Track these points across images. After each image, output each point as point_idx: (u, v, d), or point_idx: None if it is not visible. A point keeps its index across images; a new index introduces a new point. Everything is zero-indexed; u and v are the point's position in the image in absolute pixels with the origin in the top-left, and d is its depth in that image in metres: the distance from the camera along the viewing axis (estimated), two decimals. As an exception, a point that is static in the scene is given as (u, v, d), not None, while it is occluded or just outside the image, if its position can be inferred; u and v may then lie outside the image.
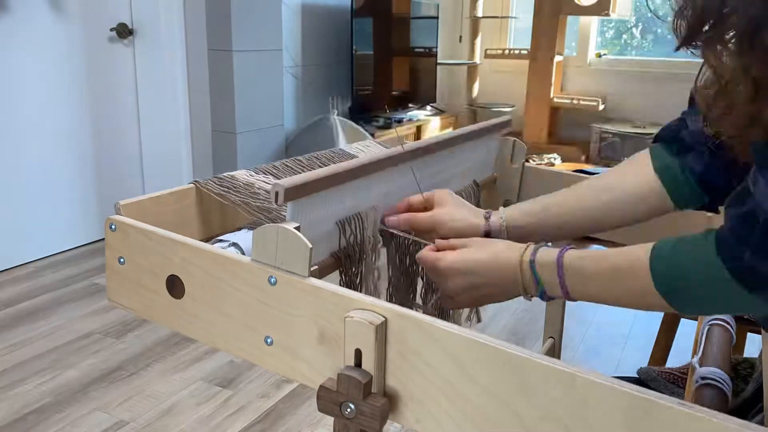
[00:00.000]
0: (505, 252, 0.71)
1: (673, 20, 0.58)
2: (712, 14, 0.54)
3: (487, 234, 0.81)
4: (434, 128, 4.28)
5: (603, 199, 0.80)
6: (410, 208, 0.85)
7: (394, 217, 0.84)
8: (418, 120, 4.11)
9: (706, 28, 0.55)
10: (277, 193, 0.67)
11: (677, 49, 0.59)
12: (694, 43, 0.57)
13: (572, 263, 0.66)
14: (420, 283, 1.00)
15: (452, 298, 0.74)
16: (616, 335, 2.23)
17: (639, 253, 0.62)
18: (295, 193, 0.69)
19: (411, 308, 0.58)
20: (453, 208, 0.82)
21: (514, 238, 0.80)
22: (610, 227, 0.83)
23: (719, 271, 0.55)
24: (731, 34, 0.54)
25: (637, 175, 0.79)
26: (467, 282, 0.72)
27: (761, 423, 0.69)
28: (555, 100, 4.51)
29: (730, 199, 0.57)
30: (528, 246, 0.70)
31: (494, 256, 0.71)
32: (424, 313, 0.58)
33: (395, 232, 0.85)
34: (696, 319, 0.89)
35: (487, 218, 0.82)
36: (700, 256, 0.57)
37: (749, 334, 1.48)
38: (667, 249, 0.61)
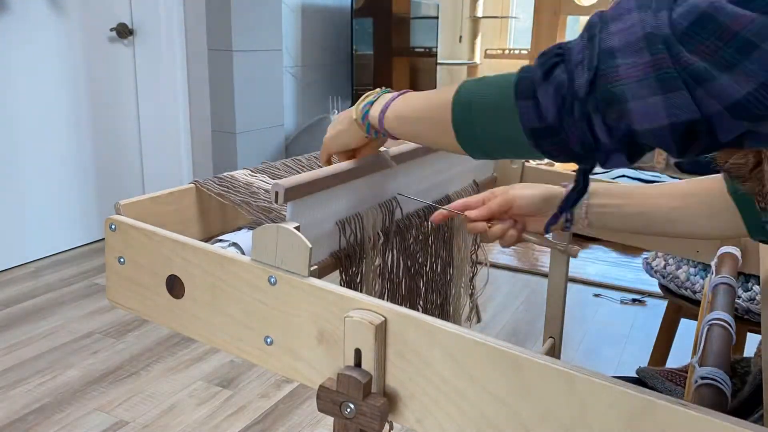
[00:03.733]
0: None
1: None
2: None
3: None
4: (434, 128, 4.27)
5: (674, 203, 0.79)
6: (469, 204, 0.85)
7: (474, 211, 0.83)
8: (418, 120, 4.10)
9: None
10: (277, 193, 0.67)
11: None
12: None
13: (406, 95, 0.73)
14: (421, 282, 1.00)
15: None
16: (616, 335, 2.23)
17: (451, 87, 0.62)
18: (295, 193, 0.69)
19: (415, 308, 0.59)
20: (521, 185, 0.84)
21: (593, 214, 0.81)
22: (677, 234, 0.82)
23: (509, 104, 0.54)
24: None
25: (714, 191, 0.76)
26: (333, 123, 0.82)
27: (758, 422, 0.69)
28: (555, 100, 4.51)
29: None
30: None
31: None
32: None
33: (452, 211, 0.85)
34: (696, 319, 0.89)
35: (565, 187, 0.82)
36: (500, 87, 0.56)
37: (749, 334, 1.48)
38: (473, 81, 0.61)
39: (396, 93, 0.73)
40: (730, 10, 0.41)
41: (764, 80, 0.41)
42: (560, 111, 0.50)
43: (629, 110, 0.46)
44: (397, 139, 0.75)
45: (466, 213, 0.83)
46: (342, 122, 0.79)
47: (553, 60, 0.51)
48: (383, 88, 0.76)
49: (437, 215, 0.86)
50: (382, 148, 0.85)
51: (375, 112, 0.73)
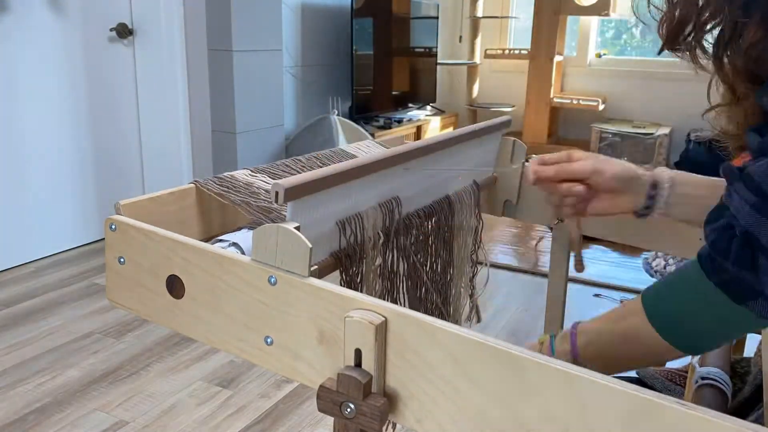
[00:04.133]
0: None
1: (658, 27, 0.59)
2: (690, 21, 0.56)
3: (653, 186, 0.78)
4: (434, 128, 4.28)
5: None
6: (544, 160, 0.82)
7: (550, 168, 0.80)
8: (418, 120, 4.11)
9: (686, 33, 0.57)
10: (277, 193, 0.67)
11: (659, 53, 0.60)
12: (676, 48, 0.58)
13: (581, 328, 0.68)
14: (421, 282, 1.00)
15: None
16: (616, 335, 2.23)
17: (631, 305, 0.62)
18: (295, 192, 0.69)
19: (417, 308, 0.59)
20: (605, 158, 0.80)
21: (674, 204, 0.78)
22: None
23: (705, 286, 0.55)
24: (710, 37, 0.55)
25: None
26: None
27: (757, 422, 0.69)
28: (555, 100, 4.51)
29: (708, 215, 0.57)
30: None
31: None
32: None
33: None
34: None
35: (648, 170, 0.80)
36: (686, 278, 0.57)
37: (749, 334, 1.48)
38: (656, 286, 0.61)
39: (567, 352, 0.69)
40: None
41: None
42: None
43: None
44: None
45: (537, 169, 0.81)
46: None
47: (730, 242, 0.52)
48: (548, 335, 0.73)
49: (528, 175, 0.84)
50: (379, 141, 0.85)
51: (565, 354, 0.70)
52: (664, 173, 0.79)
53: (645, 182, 0.78)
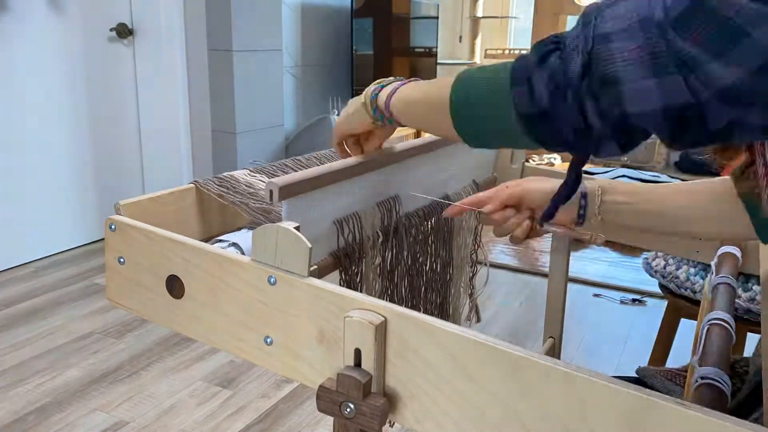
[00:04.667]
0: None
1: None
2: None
3: (583, 196, 0.81)
4: (434, 128, 4.27)
5: (685, 201, 0.79)
6: (481, 200, 0.86)
7: (489, 205, 0.84)
8: (418, 120, 4.10)
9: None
10: (271, 192, 0.67)
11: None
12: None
13: (411, 83, 0.73)
14: (421, 282, 1.00)
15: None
16: (616, 335, 2.23)
17: (449, 78, 0.63)
18: (289, 191, 0.69)
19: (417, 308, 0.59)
20: (534, 179, 0.85)
21: (606, 211, 0.81)
22: (695, 233, 0.83)
23: (504, 95, 0.54)
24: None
25: (724, 191, 0.76)
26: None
27: (756, 422, 0.69)
28: (555, 100, 4.51)
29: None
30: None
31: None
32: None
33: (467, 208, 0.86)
34: (696, 319, 0.89)
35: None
36: (495, 78, 0.57)
37: (749, 334, 1.48)
38: (470, 72, 0.62)
39: (407, 80, 0.75)
40: None
41: (753, 68, 0.42)
42: (553, 96, 0.50)
43: (622, 93, 0.46)
44: (402, 126, 0.76)
45: (482, 208, 0.84)
46: (351, 105, 0.80)
47: (548, 47, 0.51)
48: (398, 77, 0.77)
49: (451, 209, 0.87)
50: (385, 144, 0.85)
51: (383, 95, 0.74)
52: (594, 183, 0.82)
53: (577, 194, 0.81)
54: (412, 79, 0.75)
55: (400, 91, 0.73)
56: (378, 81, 0.77)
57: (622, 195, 0.82)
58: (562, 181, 0.83)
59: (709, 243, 1.01)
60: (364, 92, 0.77)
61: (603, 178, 1.12)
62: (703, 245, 1.03)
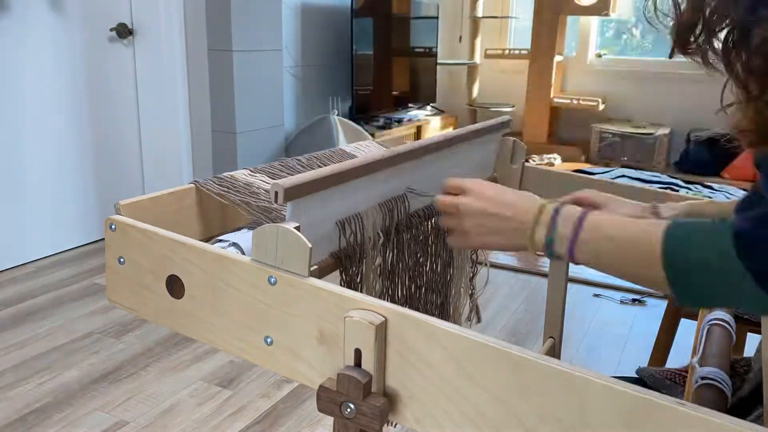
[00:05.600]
0: (531, 196, 0.71)
1: (671, 30, 0.59)
2: (697, 25, 0.57)
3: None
4: (434, 128, 4.28)
5: None
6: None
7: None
8: (418, 120, 4.11)
9: (696, 36, 0.58)
10: (276, 193, 0.67)
11: (670, 56, 0.61)
12: (688, 51, 0.58)
13: (592, 221, 0.65)
14: (421, 282, 1.00)
15: (463, 228, 0.73)
16: (616, 335, 2.23)
17: (654, 228, 0.60)
18: (294, 192, 0.69)
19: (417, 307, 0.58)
20: (615, 204, 0.82)
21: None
22: None
23: (734, 265, 0.55)
24: (721, 38, 0.55)
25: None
26: (481, 205, 0.71)
27: (757, 421, 0.69)
28: (555, 100, 4.52)
29: (738, 204, 0.57)
30: (555, 200, 0.70)
31: (520, 194, 0.71)
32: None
33: None
34: (696, 319, 0.89)
35: (655, 212, 0.81)
36: (717, 245, 0.56)
37: (749, 334, 1.48)
38: (682, 230, 0.60)
39: (573, 218, 0.66)
40: None
41: None
42: None
43: None
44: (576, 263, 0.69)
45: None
46: (504, 235, 0.71)
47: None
48: (546, 204, 0.69)
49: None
50: (379, 141, 0.85)
51: (562, 249, 0.66)
52: (668, 210, 0.81)
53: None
54: (581, 215, 0.66)
55: (584, 245, 0.65)
56: (535, 223, 0.68)
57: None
58: (636, 207, 0.81)
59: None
60: (528, 238, 0.68)
61: (603, 177, 1.12)
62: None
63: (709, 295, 0.59)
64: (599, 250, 0.64)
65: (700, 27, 0.57)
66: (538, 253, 0.70)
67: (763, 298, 0.54)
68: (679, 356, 1.67)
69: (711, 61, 0.58)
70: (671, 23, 0.59)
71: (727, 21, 0.55)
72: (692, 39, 0.58)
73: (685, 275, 0.58)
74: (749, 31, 0.54)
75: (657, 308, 2.37)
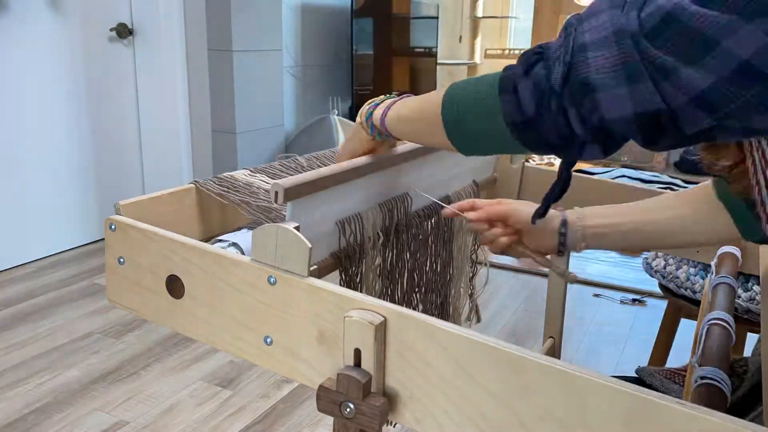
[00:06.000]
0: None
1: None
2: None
3: (563, 224, 0.83)
4: (434, 128, 4.27)
5: (666, 215, 0.80)
6: (475, 205, 0.88)
7: (473, 213, 0.87)
8: (418, 120, 4.11)
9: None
10: (276, 193, 0.67)
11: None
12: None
13: (399, 103, 0.75)
14: (421, 282, 1.00)
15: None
16: (616, 335, 2.23)
17: (440, 92, 0.65)
18: (295, 192, 0.69)
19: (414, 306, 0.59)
20: (523, 203, 0.87)
21: (590, 236, 0.83)
22: (676, 245, 0.85)
23: (495, 103, 0.57)
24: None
25: (703, 197, 0.78)
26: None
27: (756, 420, 0.69)
28: (555, 100, 4.52)
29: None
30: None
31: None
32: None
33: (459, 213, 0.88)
34: (696, 319, 0.89)
35: (561, 211, 0.85)
36: (486, 86, 0.59)
37: (749, 334, 1.48)
38: (460, 83, 0.64)
39: (399, 96, 0.77)
40: (693, 10, 0.44)
41: (725, 74, 0.44)
42: (539, 105, 0.53)
43: (598, 100, 0.50)
44: (399, 140, 0.78)
45: (467, 213, 0.86)
46: (351, 131, 0.83)
47: (533, 57, 0.54)
48: (388, 94, 0.80)
49: (446, 211, 0.89)
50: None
51: (378, 114, 0.76)
52: (574, 211, 0.84)
53: (556, 223, 0.83)
54: (403, 94, 0.77)
55: (393, 109, 0.75)
56: (370, 101, 0.79)
57: (603, 219, 0.83)
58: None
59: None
60: (358, 113, 0.80)
61: (603, 177, 1.12)
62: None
63: (481, 141, 0.63)
64: (402, 116, 0.74)
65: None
66: (363, 125, 0.79)
67: (497, 106, 0.57)
68: (678, 356, 1.67)
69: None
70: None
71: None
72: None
73: (457, 123, 0.63)
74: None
75: (657, 308, 2.37)
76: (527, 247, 0.85)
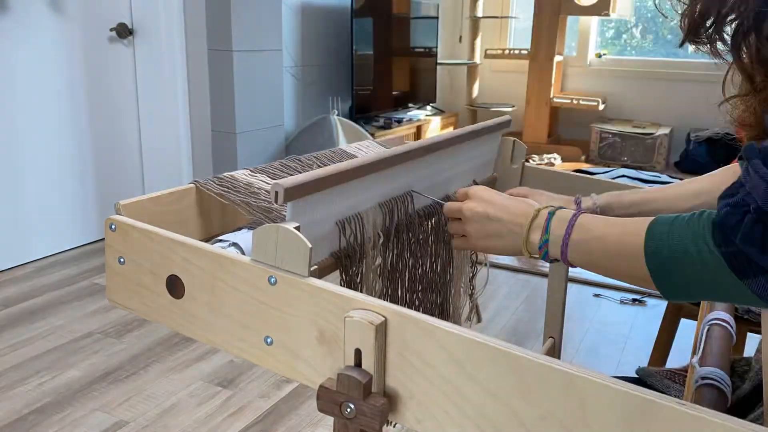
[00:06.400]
0: (530, 202, 0.74)
1: (680, 20, 0.61)
2: (711, 13, 0.58)
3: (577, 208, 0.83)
4: (434, 128, 4.28)
5: (693, 203, 0.80)
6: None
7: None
8: (418, 120, 4.11)
9: (708, 25, 0.59)
10: (277, 193, 0.67)
11: (680, 45, 0.62)
12: (697, 40, 0.60)
13: (583, 221, 0.67)
14: (421, 282, 1.00)
15: (466, 232, 0.77)
16: (616, 335, 2.23)
17: (639, 224, 0.62)
18: (295, 192, 0.69)
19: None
20: (537, 194, 0.86)
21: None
22: None
23: (711, 254, 0.56)
24: (732, 29, 0.56)
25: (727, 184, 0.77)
26: (483, 209, 0.75)
27: (757, 421, 0.69)
28: (555, 100, 4.52)
29: (723, 192, 0.58)
30: (550, 205, 0.72)
31: (520, 201, 0.74)
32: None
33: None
34: (696, 319, 0.89)
35: (577, 203, 0.84)
36: (695, 235, 0.57)
37: (749, 334, 1.48)
38: (664, 223, 0.61)
39: (566, 219, 0.69)
40: None
41: None
42: None
43: None
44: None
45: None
46: (503, 238, 0.74)
47: (756, 228, 0.53)
48: (541, 208, 0.72)
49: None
50: (379, 141, 0.86)
51: (555, 250, 0.69)
52: (589, 201, 0.85)
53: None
54: (573, 215, 0.69)
55: (576, 246, 0.67)
56: (530, 224, 0.71)
57: (622, 209, 0.83)
58: (561, 198, 0.86)
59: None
60: (522, 243, 0.71)
61: (603, 177, 1.12)
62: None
63: (691, 287, 0.60)
64: (590, 250, 0.66)
65: (713, 16, 0.58)
66: (533, 256, 0.71)
67: (739, 286, 0.55)
68: (679, 356, 1.67)
69: (719, 50, 0.59)
70: (685, 11, 0.60)
71: (741, 10, 0.56)
72: (704, 28, 0.60)
73: (665, 268, 0.59)
74: (761, 22, 0.54)
75: (657, 308, 2.37)
76: None
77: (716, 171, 0.82)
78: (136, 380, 1.84)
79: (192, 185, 0.84)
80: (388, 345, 0.57)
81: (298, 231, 0.61)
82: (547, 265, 1.21)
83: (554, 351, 1.24)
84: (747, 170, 0.55)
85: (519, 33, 4.96)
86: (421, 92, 4.38)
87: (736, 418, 0.44)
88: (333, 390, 0.57)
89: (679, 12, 0.62)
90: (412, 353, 0.56)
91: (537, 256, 0.71)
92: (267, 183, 0.87)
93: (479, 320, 1.24)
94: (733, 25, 0.58)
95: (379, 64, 3.82)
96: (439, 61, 4.51)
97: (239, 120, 2.94)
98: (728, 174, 0.79)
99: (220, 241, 0.76)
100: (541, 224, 0.70)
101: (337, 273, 0.81)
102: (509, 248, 0.74)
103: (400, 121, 3.93)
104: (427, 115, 4.30)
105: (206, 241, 0.73)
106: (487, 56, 4.74)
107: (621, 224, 0.64)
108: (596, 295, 2.55)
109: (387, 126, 3.79)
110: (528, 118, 4.53)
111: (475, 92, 4.85)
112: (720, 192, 0.77)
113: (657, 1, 0.69)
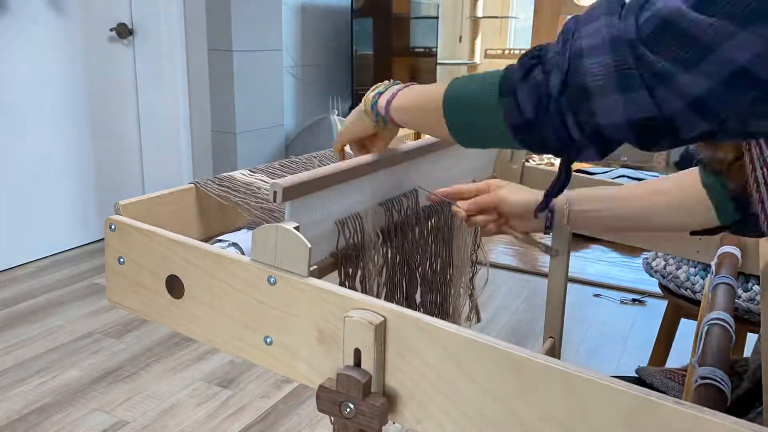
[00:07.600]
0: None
1: None
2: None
3: (550, 211, 0.88)
4: (434, 128, 4.28)
5: (655, 200, 0.84)
6: (461, 193, 0.93)
7: (464, 203, 0.91)
8: (418, 120, 4.11)
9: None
10: (275, 193, 0.67)
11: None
12: None
13: (404, 91, 0.76)
14: (421, 282, 1.00)
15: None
16: (616, 335, 2.23)
17: (443, 85, 0.66)
18: (293, 192, 0.69)
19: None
20: (513, 187, 0.92)
21: (575, 220, 0.88)
22: (658, 228, 0.89)
23: (495, 101, 0.58)
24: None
25: (690, 185, 0.80)
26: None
27: (756, 420, 0.69)
28: (555, 100, 4.52)
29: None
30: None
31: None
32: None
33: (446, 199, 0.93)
34: (696, 319, 0.89)
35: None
36: (487, 83, 0.60)
37: (749, 334, 1.48)
38: (463, 79, 0.65)
39: (403, 85, 0.78)
40: (691, 17, 0.45)
41: (721, 79, 0.44)
42: (537, 109, 0.54)
43: (593, 107, 0.50)
44: (402, 127, 0.80)
45: (458, 202, 0.91)
46: (354, 114, 0.84)
47: (531, 61, 0.55)
48: (392, 80, 0.81)
49: (431, 197, 0.93)
50: (391, 145, 0.86)
51: (383, 101, 0.78)
52: (562, 196, 0.88)
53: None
54: (408, 83, 0.78)
55: (398, 98, 0.76)
56: (375, 86, 0.80)
57: (588, 204, 0.88)
58: (536, 192, 0.91)
59: (709, 243, 1.01)
60: (363, 99, 0.81)
61: (603, 177, 1.12)
62: (703, 245, 1.03)
63: (480, 136, 0.64)
64: (407, 106, 0.75)
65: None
66: (368, 111, 0.80)
67: (497, 108, 0.58)
68: (679, 356, 1.67)
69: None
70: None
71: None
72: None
73: (457, 115, 0.64)
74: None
75: (657, 308, 2.37)
76: (514, 227, 0.92)
77: (683, 171, 0.83)
78: (136, 380, 1.84)
79: (192, 185, 0.84)
80: (387, 345, 0.57)
81: (298, 231, 0.61)
82: (548, 265, 1.21)
83: (554, 351, 1.24)
84: (557, 39, 0.56)
85: (519, 33, 4.96)
86: (421, 92, 4.38)
87: (735, 418, 0.44)
88: (332, 390, 0.57)
89: None
90: (411, 353, 0.56)
91: (371, 112, 0.79)
92: (267, 183, 0.87)
93: (479, 320, 1.23)
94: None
95: (379, 64, 3.82)
96: (439, 61, 4.51)
97: (239, 120, 2.94)
98: (692, 176, 0.81)
99: (220, 241, 0.76)
100: (377, 88, 0.79)
101: (336, 273, 0.81)
102: (356, 119, 0.83)
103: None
104: (427, 115, 4.30)
105: (206, 241, 0.74)
106: (487, 56, 4.74)
107: (430, 87, 0.72)
108: (596, 295, 2.55)
109: (387, 126, 3.78)
110: (528, 118, 4.53)
111: (475, 92, 4.85)
112: (680, 191, 0.81)
113: None
